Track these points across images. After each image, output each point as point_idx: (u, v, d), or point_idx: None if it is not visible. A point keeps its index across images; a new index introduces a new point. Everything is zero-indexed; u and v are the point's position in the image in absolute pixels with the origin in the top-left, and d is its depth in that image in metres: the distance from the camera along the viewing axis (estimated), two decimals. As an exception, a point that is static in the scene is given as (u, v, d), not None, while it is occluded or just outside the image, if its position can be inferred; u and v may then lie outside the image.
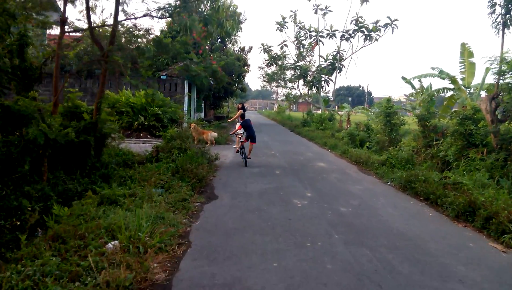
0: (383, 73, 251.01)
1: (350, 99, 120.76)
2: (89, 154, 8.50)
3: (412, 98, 19.62)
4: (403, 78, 19.40)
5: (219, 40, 32.60)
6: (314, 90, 31.55)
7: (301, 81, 33.56)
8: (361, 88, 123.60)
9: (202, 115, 29.73)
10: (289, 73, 53.27)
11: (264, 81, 54.94)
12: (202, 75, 8.85)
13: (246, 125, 12.01)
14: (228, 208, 6.57)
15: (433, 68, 15.40)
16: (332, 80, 30.02)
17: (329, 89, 35.25)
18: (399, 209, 7.11)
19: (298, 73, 30.54)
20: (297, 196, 7.61)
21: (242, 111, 13.60)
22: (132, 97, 17.54)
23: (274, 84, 56.64)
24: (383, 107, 15.22)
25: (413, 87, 18.87)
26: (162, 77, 21.38)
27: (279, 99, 62.33)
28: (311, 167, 11.28)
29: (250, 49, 36.42)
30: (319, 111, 31.41)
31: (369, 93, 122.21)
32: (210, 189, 7.87)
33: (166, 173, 7.90)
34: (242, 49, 35.97)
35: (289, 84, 54.43)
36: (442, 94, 17.88)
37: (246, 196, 7.48)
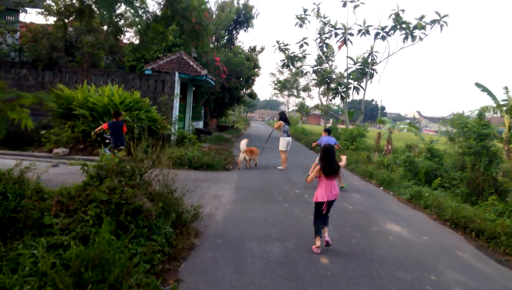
0: (395, 87, 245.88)
1: (362, 113, 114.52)
2: None
3: (486, 113, 13.99)
4: (478, 84, 13.89)
5: (226, 36, 27.38)
6: (338, 99, 26.08)
7: (320, 89, 28.16)
8: (374, 102, 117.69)
9: (201, 124, 24.33)
10: (303, 81, 48.07)
11: (275, 88, 49.66)
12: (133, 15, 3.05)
13: (115, 129, 8.73)
14: None
15: None
16: (362, 88, 24.51)
17: (339, 102, 29.22)
18: None
19: (320, 78, 25.07)
20: None
21: (281, 121, 11.78)
22: (95, 94, 12.19)
23: (285, 92, 51.35)
24: (474, 125, 9.69)
25: (493, 98, 13.33)
26: (146, 71, 16.09)
27: (290, 109, 56.95)
28: (384, 241, 5.72)
29: (262, 49, 31.19)
30: (342, 126, 25.90)
31: (382, 108, 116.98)
32: None
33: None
34: (253, 49, 30.74)
35: (302, 94, 49.26)
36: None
37: None
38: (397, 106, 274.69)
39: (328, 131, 10.13)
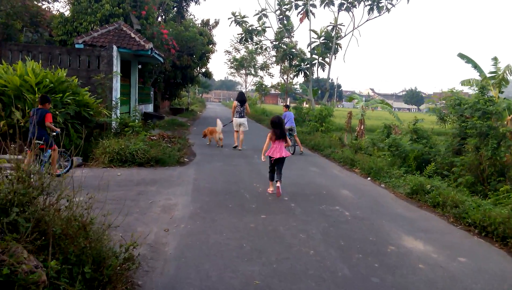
0: (350, 64, 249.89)
1: (319, 92, 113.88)
2: None
3: (469, 87, 12.68)
4: (461, 55, 12.54)
5: (175, 6, 24.49)
6: (301, 76, 24.31)
7: (281, 66, 26.22)
8: (330, 81, 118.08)
9: (150, 108, 21.58)
10: (260, 59, 45.83)
11: (231, 67, 47.12)
12: None
13: (33, 118, 6.37)
14: None
15: None
16: (327, 63, 22.86)
17: (300, 80, 27.42)
18: None
19: (282, 53, 23.08)
20: None
21: (236, 103, 11.86)
22: (5, 74, 9.37)
23: (242, 71, 48.99)
24: (477, 102, 8.20)
25: (480, 70, 12.05)
26: (77, 45, 13.21)
27: (247, 89, 54.75)
28: (414, 273, 3.89)
29: (216, 23, 28.59)
30: (306, 105, 24.28)
31: (338, 86, 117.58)
32: None
33: None
34: (206, 23, 28.04)
35: (260, 72, 47.12)
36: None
37: None
38: (351, 84, 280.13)
39: (287, 106, 12.80)
